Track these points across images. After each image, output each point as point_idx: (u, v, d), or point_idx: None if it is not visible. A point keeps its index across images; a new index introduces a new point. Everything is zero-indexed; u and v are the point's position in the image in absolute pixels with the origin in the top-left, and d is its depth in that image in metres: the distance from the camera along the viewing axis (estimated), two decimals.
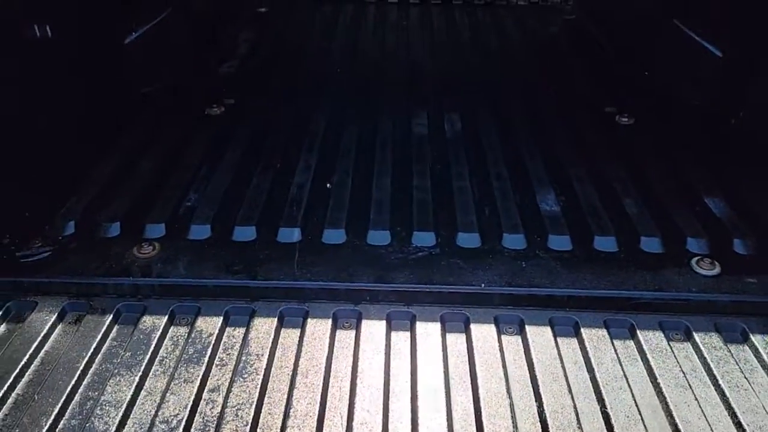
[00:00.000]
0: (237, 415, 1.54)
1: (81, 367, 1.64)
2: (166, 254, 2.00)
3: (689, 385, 1.62)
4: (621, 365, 1.68)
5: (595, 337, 1.76)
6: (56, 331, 1.78)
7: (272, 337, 1.74)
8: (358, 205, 2.23)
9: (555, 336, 1.77)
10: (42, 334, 1.74)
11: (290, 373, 1.65)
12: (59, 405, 1.55)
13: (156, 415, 1.54)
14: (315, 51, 3.52)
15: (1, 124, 2.07)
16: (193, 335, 1.75)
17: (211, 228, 2.11)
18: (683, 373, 1.66)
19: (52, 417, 1.52)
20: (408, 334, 1.78)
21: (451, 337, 1.77)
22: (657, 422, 1.54)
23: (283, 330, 1.79)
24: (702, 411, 1.56)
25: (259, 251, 2.02)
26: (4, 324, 1.80)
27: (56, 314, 1.80)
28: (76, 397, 1.58)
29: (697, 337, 1.76)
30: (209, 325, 1.78)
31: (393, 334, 1.79)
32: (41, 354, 1.70)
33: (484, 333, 1.77)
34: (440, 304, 1.86)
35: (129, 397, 1.57)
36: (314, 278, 1.91)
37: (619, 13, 3.61)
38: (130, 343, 1.73)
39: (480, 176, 2.40)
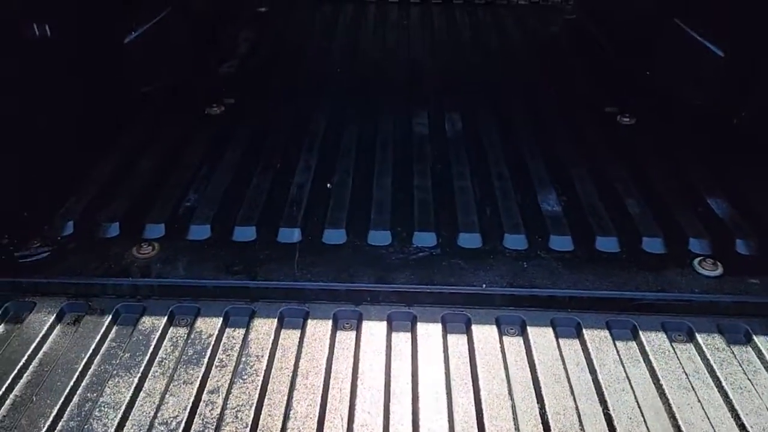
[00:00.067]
0: (237, 417, 1.53)
1: (80, 368, 1.63)
2: (165, 254, 1.98)
3: (692, 386, 1.61)
4: (623, 366, 1.67)
5: (597, 338, 1.75)
6: (55, 331, 1.77)
7: (272, 338, 1.73)
8: (359, 205, 2.22)
9: (557, 337, 1.76)
10: (40, 335, 1.73)
11: (290, 375, 1.64)
12: (57, 406, 1.54)
13: (155, 416, 1.53)
14: (315, 51, 3.51)
15: (0, 124, 2.06)
16: (192, 336, 1.74)
17: (210, 228, 2.10)
18: (686, 374, 1.65)
19: (51, 419, 1.51)
20: (409, 335, 1.77)
21: (452, 338, 1.76)
22: (660, 424, 1.53)
23: (283, 331, 1.77)
24: (705, 413, 1.55)
25: (259, 251, 2.01)
26: (2, 325, 1.78)
27: (55, 315, 1.79)
28: (75, 399, 1.57)
29: (699, 338, 1.75)
30: (209, 326, 1.77)
31: (394, 335, 1.78)
32: (39, 355, 1.69)
33: (485, 334, 1.76)
34: (441, 305, 1.85)
35: (128, 398, 1.56)
36: (314, 279, 1.90)
37: (620, 13, 3.60)
38: (129, 344, 1.72)
39: (481, 176, 2.39)
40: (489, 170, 2.42)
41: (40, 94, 2.25)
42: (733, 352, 1.71)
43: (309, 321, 1.79)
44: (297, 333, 1.76)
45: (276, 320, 1.79)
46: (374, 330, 1.78)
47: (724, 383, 1.62)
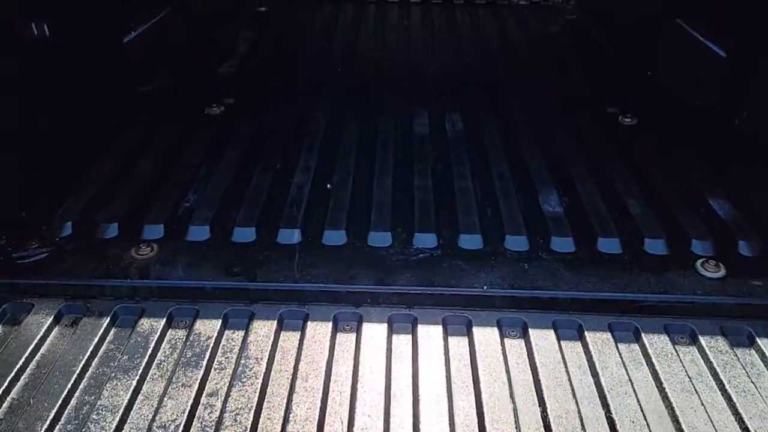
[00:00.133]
0: (236, 420, 1.51)
1: (77, 371, 1.62)
2: (164, 256, 1.97)
3: (695, 389, 1.60)
4: (626, 369, 1.65)
5: (599, 340, 1.73)
6: (52, 333, 1.75)
7: (272, 340, 1.72)
8: (359, 205, 2.21)
9: (558, 339, 1.74)
10: (38, 337, 1.71)
11: (290, 377, 1.62)
12: (55, 409, 1.53)
13: (153, 420, 1.51)
14: (315, 50, 3.50)
15: None
16: (191, 338, 1.72)
17: (210, 229, 2.08)
18: (689, 377, 1.63)
19: (48, 422, 1.50)
20: (409, 337, 1.76)
21: (453, 341, 1.75)
22: (663, 428, 1.52)
23: (282, 333, 1.76)
24: (708, 416, 1.54)
25: (259, 253, 2.00)
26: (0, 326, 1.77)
27: (53, 316, 1.78)
28: (72, 402, 1.56)
29: (702, 340, 1.73)
30: (208, 327, 1.76)
31: (394, 337, 1.76)
32: (37, 357, 1.68)
33: (486, 336, 1.75)
34: (442, 307, 1.84)
35: (126, 401, 1.55)
36: (314, 280, 1.89)
37: (621, 13, 3.58)
38: (128, 346, 1.70)
39: (482, 177, 2.37)
40: (490, 171, 2.41)
41: (38, 94, 2.23)
42: (736, 355, 1.69)
43: (309, 323, 1.78)
44: (297, 335, 1.75)
45: (275, 322, 1.78)
46: (374, 332, 1.77)
47: (727, 386, 1.61)
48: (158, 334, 1.73)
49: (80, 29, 2.48)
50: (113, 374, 1.62)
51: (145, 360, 1.65)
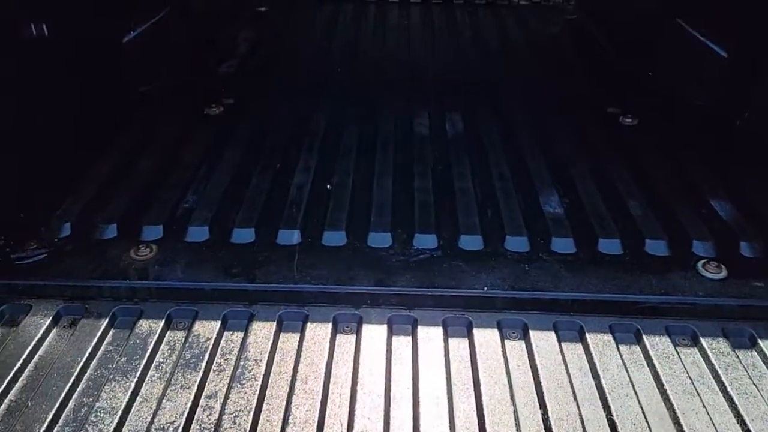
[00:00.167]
0: (235, 423, 1.50)
1: (75, 373, 1.61)
2: (163, 257, 1.96)
3: (697, 392, 1.59)
4: (627, 371, 1.64)
5: (600, 342, 1.72)
6: (51, 335, 1.74)
7: (271, 341, 1.71)
8: (359, 206, 2.20)
9: (559, 341, 1.73)
10: (36, 339, 1.70)
11: (289, 379, 1.61)
12: (53, 411, 1.52)
13: (152, 422, 1.50)
14: (315, 50, 3.49)
15: None
16: (190, 340, 1.71)
17: (209, 230, 2.07)
18: (690, 379, 1.62)
19: (46, 424, 1.49)
20: (409, 338, 1.75)
21: (453, 342, 1.74)
22: (664, 430, 1.51)
23: (282, 334, 1.75)
24: (710, 419, 1.53)
25: (258, 253, 1.99)
26: None
27: (51, 318, 1.77)
28: (71, 404, 1.55)
29: (704, 342, 1.72)
30: (207, 329, 1.75)
31: (394, 338, 1.75)
32: (35, 359, 1.67)
33: (487, 338, 1.74)
34: (442, 308, 1.83)
35: (124, 403, 1.54)
36: (314, 281, 1.88)
37: (621, 13, 3.58)
38: (126, 347, 1.69)
39: (482, 177, 2.36)
40: (490, 171, 2.40)
41: (37, 94, 2.23)
42: (737, 357, 1.68)
43: (308, 324, 1.77)
44: (296, 336, 1.74)
45: (275, 323, 1.77)
46: (374, 333, 1.76)
47: (729, 388, 1.60)
48: (157, 335, 1.72)
49: (79, 29, 2.47)
50: (112, 376, 1.61)
51: (144, 362, 1.64)
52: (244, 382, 1.60)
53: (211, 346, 1.69)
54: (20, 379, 1.61)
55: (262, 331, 1.75)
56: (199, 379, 1.60)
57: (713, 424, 1.52)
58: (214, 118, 2.77)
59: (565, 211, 2.18)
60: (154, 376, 1.62)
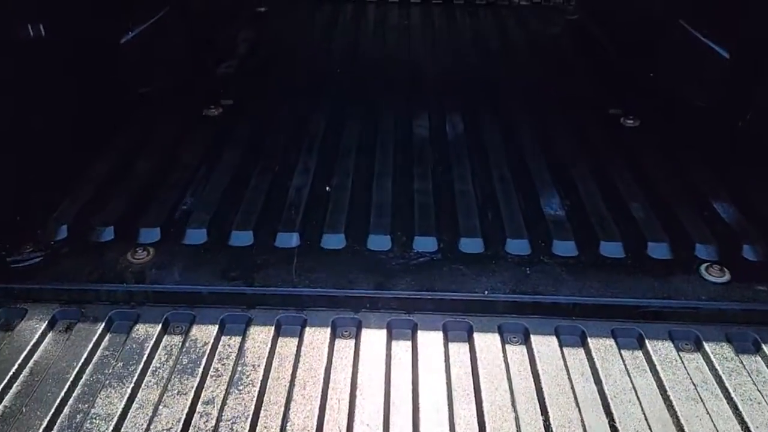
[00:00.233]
0: (232, 429, 1.48)
1: (71, 378, 1.59)
2: (160, 260, 1.94)
3: (700, 398, 1.57)
4: (630, 377, 1.62)
5: (602, 347, 1.70)
6: (46, 339, 1.72)
7: (269, 346, 1.69)
8: (358, 208, 2.18)
9: (561, 346, 1.71)
10: (31, 343, 1.68)
11: (287, 385, 1.59)
12: (47, 418, 1.49)
13: (148, 428, 1.48)
14: (315, 51, 3.47)
15: None
16: (187, 344, 1.69)
17: (207, 232, 2.05)
18: (694, 385, 1.60)
19: (40, 431, 1.47)
20: (409, 343, 1.73)
21: (453, 347, 1.72)
22: None
23: (280, 339, 1.73)
24: (714, 425, 1.51)
25: (257, 256, 1.97)
26: None
27: (46, 322, 1.75)
28: (66, 410, 1.53)
29: (707, 347, 1.70)
30: (204, 333, 1.73)
31: (393, 343, 1.73)
32: (30, 364, 1.64)
33: (487, 342, 1.72)
34: (442, 312, 1.81)
35: (120, 409, 1.52)
36: (313, 285, 1.86)
37: (623, 13, 3.55)
38: (123, 352, 1.67)
39: (483, 179, 2.34)
40: (491, 173, 2.38)
41: (34, 96, 2.20)
42: (741, 362, 1.66)
43: (307, 329, 1.75)
44: (294, 341, 1.72)
45: (273, 328, 1.75)
46: (373, 338, 1.74)
47: (733, 394, 1.58)
48: (153, 340, 1.70)
49: (76, 30, 2.45)
50: (107, 382, 1.59)
51: (140, 367, 1.62)
52: (241, 387, 1.58)
53: (208, 351, 1.67)
54: (15, 384, 1.59)
55: (260, 335, 1.72)
56: (196, 384, 1.58)
57: (717, 431, 1.50)
58: (212, 119, 2.75)
59: (567, 213, 2.16)
60: (150, 381, 1.60)
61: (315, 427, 1.49)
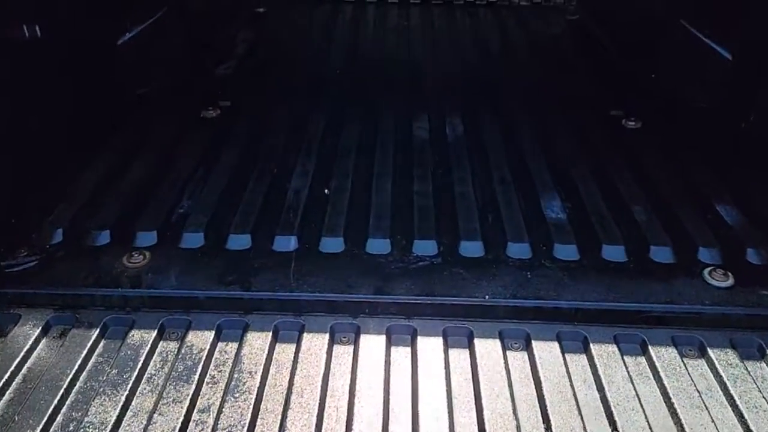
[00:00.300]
0: None
1: (65, 386, 1.56)
2: (156, 264, 1.92)
3: (705, 405, 1.54)
4: (633, 384, 1.60)
5: (604, 353, 1.68)
6: (40, 346, 1.69)
7: (266, 353, 1.66)
8: (357, 211, 2.15)
9: (563, 352, 1.69)
10: (25, 350, 1.65)
11: (284, 392, 1.57)
12: (40, 427, 1.47)
13: None
14: (314, 52, 3.45)
15: None
16: (183, 351, 1.67)
17: (204, 236, 2.03)
18: (698, 392, 1.58)
19: None
20: (408, 349, 1.71)
21: (453, 353, 1.69)
22: None
23: (277, 345, 1.71)
24: None
25: (254, 260, 1.94)
26: None
27: (40, 328, 1.72)
28: (59, 418, 1.50)
29: (711, 353, 1.68)
30: (200, 339, 1.70)
31: (393, 349, 1.71)
32: (23, 371, 1.62)
33: (488, 348, 1.69)
34: (442, 317, 1.78)
35: (114, 418, 1.49)
36: (311, 289, 1.84)
37: (624, 14, 3.53)
38: (117, 359, 1.64)
39: (483, 181, 2.32)
40: (491, 175, 2.35)
41: (29, 97, 2.18)
42: (746, 368, 1.64)
43: (305, 334, 1.72)
44: (292, 347, 1.69)
45: (270, 334, 1.72)
46: (372, 344, 1.71)
47: (738, 401, 1.55)
48: (149, 346, 1.67)
49: (73, 30, 2.43)
50: (101, 389, 1.56)
51: (135, 374, 1.60)
52: (237, 395, 1.55)
53: (204, 358, 1.65)
54: (7, 392, 1.56)
55: (257, 341, 1.70)
56: (191, 392, 1.55)
57: None
58: (210, 121, 2.73)
59: (568, 216, 2.14)
60: (145, 389, 1.57)
61: None
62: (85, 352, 1.65)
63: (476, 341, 1.71)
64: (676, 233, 2.04)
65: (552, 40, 3.68)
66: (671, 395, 1.56)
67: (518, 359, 1.67)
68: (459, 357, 1.68)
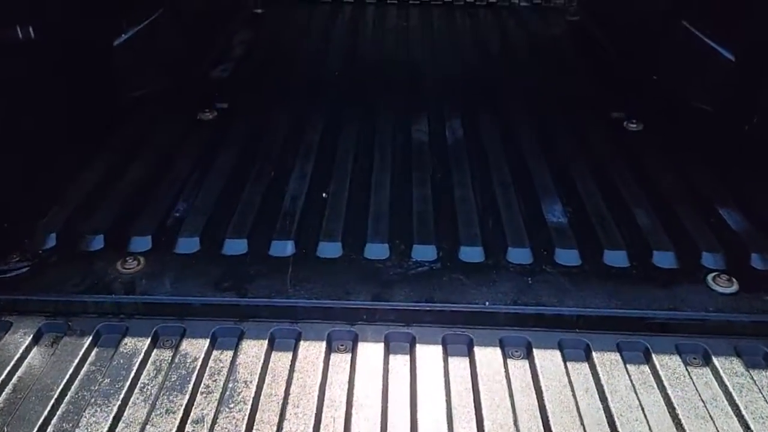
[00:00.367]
0: None
1: (55, 396, 1.52)
2: (151, 269, 1.89)
3: (710, 415, 1.51)
4: (636, 393, 1.56)
5: (607, 361, 1.64)
6: (31, 354, 1.66)
7: (262, 361, 1.63)
8: (355, 216, 2.12)
9: (565, 360, 1.65)
10: (15, 359, 1.62)
11: (280, 402, 1.53)
12: None
13: None
14: (312, 53, 3.41)
15: None
16: (177, 359, 1.63)
17: (199, 240, 2.00)
18: (703, 402, 1.54)
19: None
20: (407, 357, 1.67)
21: (453, 362, 1.66)
22: None
23: (273, 353, 1.67)
24: None
25: (250, 266, 1.91)
26: None
27: (32, 336, 1.69)
28: (49, 429, 1.46)
29: (716, 361, 1.64)
30: (195, 348, 1.66)
31: (391, 357, 1.67)
32: (14, 380, 1.58)
33: (488, 357, 1.66)
34: (442, 325, 1.75)
35: (106, 429, 1.45)
36: (308, 296, 1.81)
37: (625, 14, 3.49)
38: (110, 368, 1.61)
39: (483, 185, 2.29)
40: (491, 179, 2.32)
41: (23, 99, 2.15)
42: (752, 377, 1.60)
43: (301, 342, 1.69)
44: (288, 356, 1.66)
45: (266, 342, 1.69)
46: (370, 352, 1.68)
47: (744, 412, 1.51)
48: (142, 354, 1.64)
49: (68, 32, 2.40)
50: (93, 399, 1.53)
51: (128, 383, 1.56)
52: (232, 405, 1.52)
53: (198, 367, 1.61)
54: None
55: (253, 349, 1.66)
56: (185, 402, 1.52)
57: None
58: (207, 123, 2.69)
59: (569, 220, 2.10)
60: (138, 399, 1.53)
61: None
62: (77, 360, 1.62)
63: (476, 349, 1.68)
64: (679, 238, 2.01)
65: (552, 42, 3.65)
66: (675, 405, 1.53)
67: (519, 368, 1.64)
68: (459, 365, 1.65)
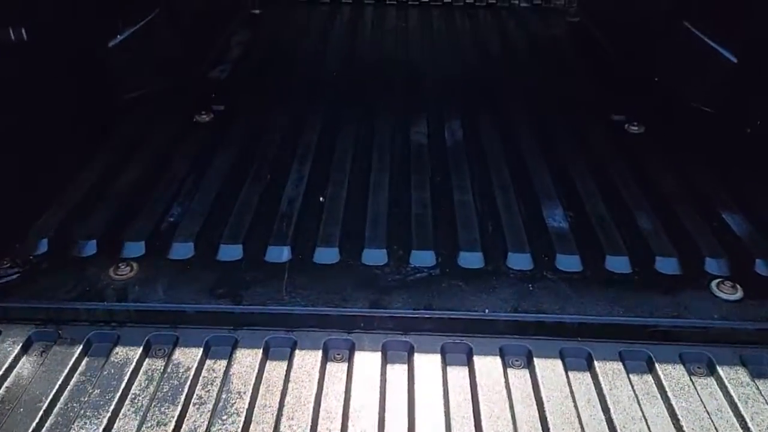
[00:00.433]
0: None
1: (44, 407, 1.49)
2: (144, 275, 1.85)
3: (715, 427, 1.48)
4: (639, 404, 1.53)
5: (609, 371, 1.61)
6: (19, 364, 1.62)
7: (256, 371, 1.59)
8: (353, 220, 2.09)
9: (566, 370, 1.62)
10: (3, 368, 1.58)
11: (275, 414, 1.49)
12: None
13: None
14: (310, 54, 3.37)
15: None
16: (169, 369, 1.60)
17: (194, 246, 1.96)
18: (707, 413, 1.51)
19: None
20: (405, 366, 1.64)
21: (452, 371, 1.62)
22: None
23: (268, 363, 1.64)
24: None
25: (245, 273, 1.87)
26: None
27: (21, 345, 1.65)
28: None
29: (721, 371, 1.61)
30: (188, 357, 1.63)
31: (389, 366, 1.64)
32: (1, 391, 1.54)
33: (488, 366, 1.62)
34: (440, 333, 1.72)
35: None
36: (304, 303, 1.77)
37: (625, 15, 3.46)
38: (100, 378, 1.57)
39: (483, 189, 2.25)
40: (491, 182, 2.29)
41: (16, 101, 2.11)
42: (757, 387, 1.57)
43: (296, 351, 1.66)
44: (283, 365, 1.62)
45: (261, 351, 1.65)
46: (367, 361, 1.64)
47: (749, 423, 1.48)
48: (134, 364, 1.60)
49: (61, 33, 2.36)
50: (83, 411, 1.49)
51: (119, 394, 1.52)
52: (225, 417, 1.48)
53: (191, 377, 1.57)
54: None
55: (247, 359, 1.63)
56: (177, 414, 1.48)
57: None
58: (203, 125, 2.66)
59: (570, 225, 2.07)
60: (128, 410, 1.50)
61: None
62: (66, 370, 1.58)
63: (476, 358, 1.64)
64: (682, 243, 1.98)
65: (552, 43, 3.61)
66: (679, 417, 1.49)
67: (519, 377, 1.61)
68: (457, 375, 1.61)
